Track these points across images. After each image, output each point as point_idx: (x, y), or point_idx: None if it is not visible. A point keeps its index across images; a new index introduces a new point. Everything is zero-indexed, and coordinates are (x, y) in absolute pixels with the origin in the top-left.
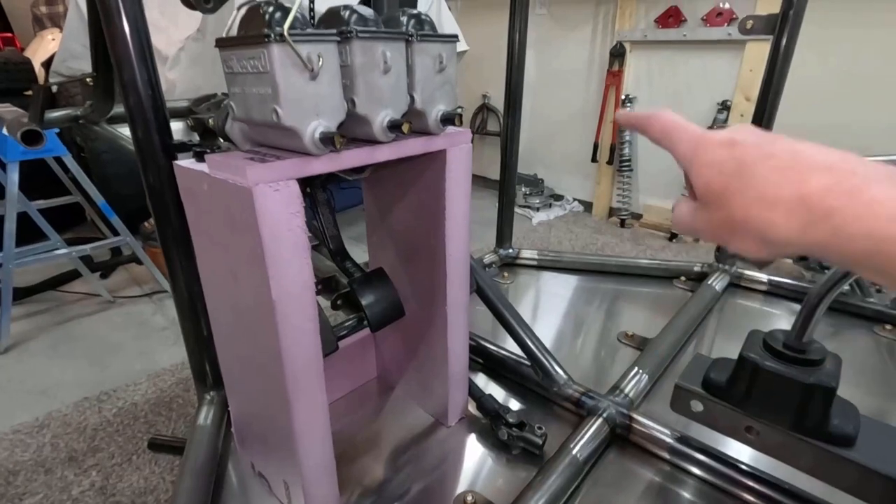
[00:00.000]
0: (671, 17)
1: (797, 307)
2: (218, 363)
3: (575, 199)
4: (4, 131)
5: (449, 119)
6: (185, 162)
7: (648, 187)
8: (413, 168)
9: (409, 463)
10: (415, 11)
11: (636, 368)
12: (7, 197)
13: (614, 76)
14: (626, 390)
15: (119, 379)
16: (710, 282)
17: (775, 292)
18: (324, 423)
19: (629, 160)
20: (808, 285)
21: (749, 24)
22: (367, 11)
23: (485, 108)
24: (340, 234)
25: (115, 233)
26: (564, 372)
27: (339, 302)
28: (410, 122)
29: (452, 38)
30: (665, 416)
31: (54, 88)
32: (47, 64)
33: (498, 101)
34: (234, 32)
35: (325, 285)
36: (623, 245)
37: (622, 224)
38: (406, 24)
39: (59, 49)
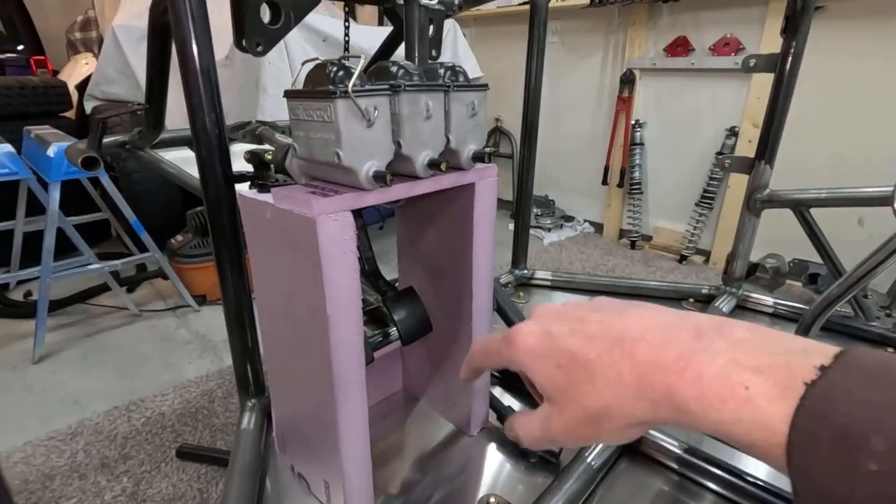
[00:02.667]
0: (679, 47)
1: None
2: (260, 373)
3: (586, 221)
4: (49, 153)
5: (479, 157)
6: (247, 192)
7: (658, 209)
8: (444, 198)
9: (435, 468)
10: (450, 64)
11: None
12: (48, 214)
13: (624, 102)
14: None
15: (147, 390)
16: (717, 304)
17: (780, 314)
18: (364, 426)
19: (639, 183)
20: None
21: (751, 62)
22: (411, 66)
23: (497, 131)
24: (374, 256)
25: (142, 248)
26: None
27: (365, 319)
28: (447, 161)
29: (483, 87)
30: (673, 429)
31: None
32: (81, 87)
33: (510, 125)
34: (299, 85)
35: (370, 316)
36: (633, 266)
37: (633, 246)
38: (443, 75)
39: (94, 74)
